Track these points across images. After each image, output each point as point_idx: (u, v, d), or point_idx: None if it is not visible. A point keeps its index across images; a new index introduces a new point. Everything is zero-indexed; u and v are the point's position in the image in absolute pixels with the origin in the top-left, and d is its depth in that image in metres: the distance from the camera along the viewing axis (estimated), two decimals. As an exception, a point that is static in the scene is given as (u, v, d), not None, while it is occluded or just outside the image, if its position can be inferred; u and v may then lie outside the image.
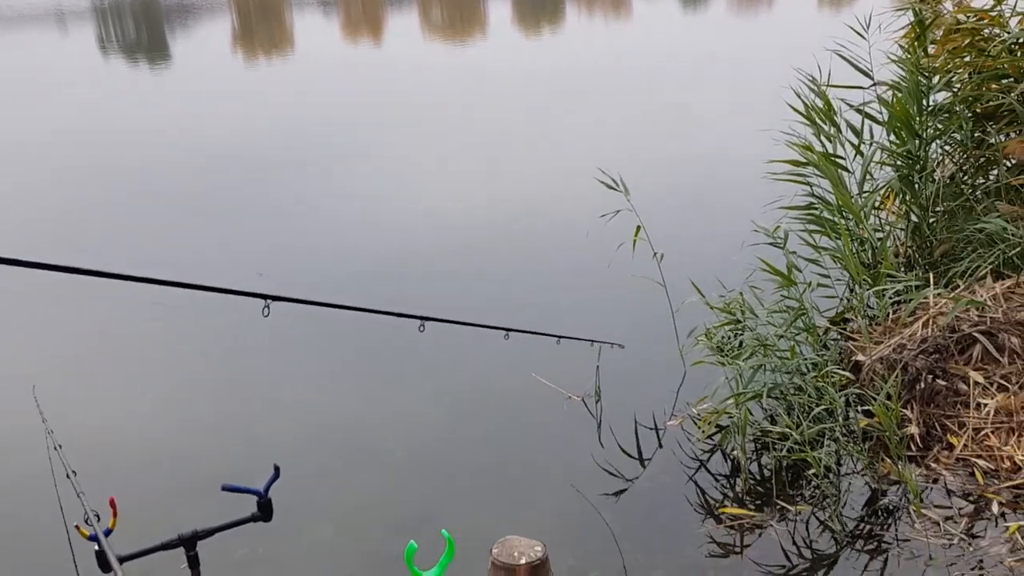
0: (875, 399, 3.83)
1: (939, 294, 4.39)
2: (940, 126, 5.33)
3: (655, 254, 4.91)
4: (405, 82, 16.66)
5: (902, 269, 5.11)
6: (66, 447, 2.54)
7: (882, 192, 5.50)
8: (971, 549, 3.36)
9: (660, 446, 4.40)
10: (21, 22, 34.66)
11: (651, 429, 4.54)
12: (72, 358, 5.68)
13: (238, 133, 12.43)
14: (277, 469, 2.16)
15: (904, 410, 3.98)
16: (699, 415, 4.42)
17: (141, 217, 8.61)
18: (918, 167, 5.28)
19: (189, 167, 10.51)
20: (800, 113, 5.39)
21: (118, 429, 4.81)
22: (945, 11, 5.43)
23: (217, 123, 13.26)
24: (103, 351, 5.82)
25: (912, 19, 5.30)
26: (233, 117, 13.69)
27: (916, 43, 5.26)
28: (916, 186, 5.32)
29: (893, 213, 5.63)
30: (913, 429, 3.94)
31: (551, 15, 30.92)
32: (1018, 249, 4.53)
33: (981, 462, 3.75)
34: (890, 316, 4.54)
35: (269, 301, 2.19)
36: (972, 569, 3.26)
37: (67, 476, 2.46)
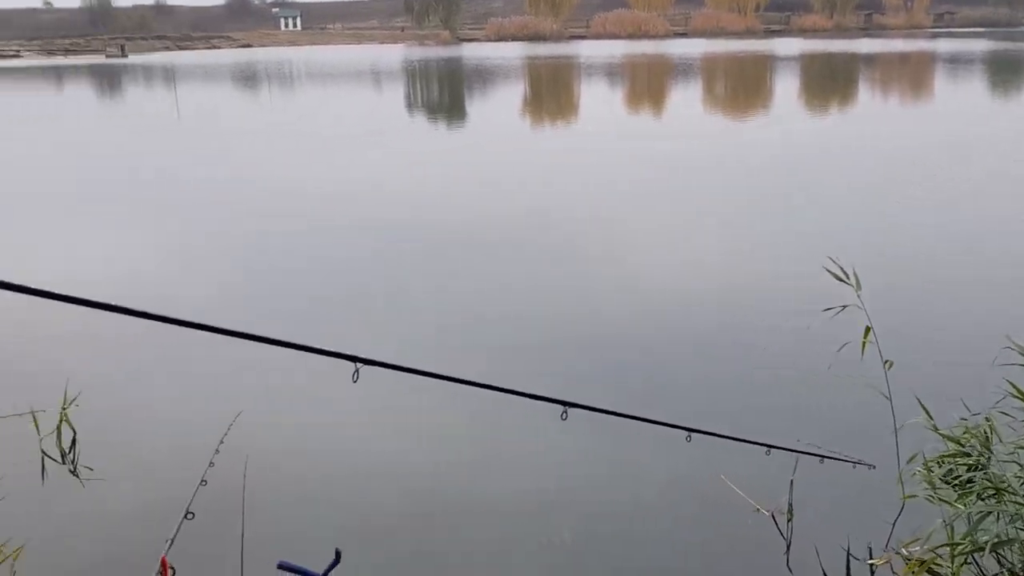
0: None
1: None
2: None
3: (885, 362, 4.27)
4: (663, 154, 16.54)
5: None
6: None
7: None
8: None
9: (866, 584, 3.78)
10: (342, 79, 39.14)
11: (859, 560, 3.92)
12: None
13: (495, 192, 12.94)
14: (338, 554, 2.02)
15: None
16: (909, 557, 3.73)
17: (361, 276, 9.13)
18: None
19: (415, 228, 10.80)
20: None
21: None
22: None
23: (487, 181, 13.91)
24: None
25: None
26: (502, 176, 14.30)
27: None
28: None
29: None
30: None
31: (841, 93, 29.46)
32: None
33: None
34: None
35: (360, 365, 2.01)
36: None
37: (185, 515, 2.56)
